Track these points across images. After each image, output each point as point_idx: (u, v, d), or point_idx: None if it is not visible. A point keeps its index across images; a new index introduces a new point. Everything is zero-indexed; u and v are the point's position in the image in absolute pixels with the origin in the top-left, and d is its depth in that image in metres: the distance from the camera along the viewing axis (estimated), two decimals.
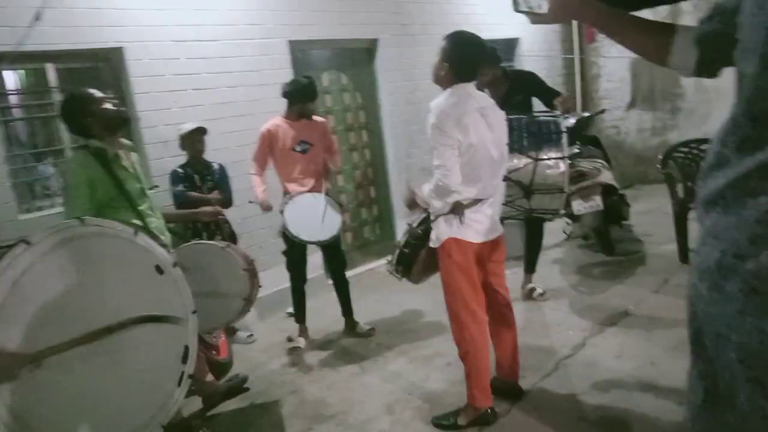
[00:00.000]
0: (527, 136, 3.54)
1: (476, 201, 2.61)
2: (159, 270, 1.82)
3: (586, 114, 5.70)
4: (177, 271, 1.86)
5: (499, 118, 2.68)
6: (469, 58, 2.58)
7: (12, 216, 3.65)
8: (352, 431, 2.89)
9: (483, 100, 2.65)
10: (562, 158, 3.46)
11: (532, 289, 4.32)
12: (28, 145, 4.04)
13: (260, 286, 3.24)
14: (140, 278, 1.80)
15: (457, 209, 2.57)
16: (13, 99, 3.98)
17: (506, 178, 2.93)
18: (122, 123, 2.72)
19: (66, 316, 1.64)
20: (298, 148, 3.83)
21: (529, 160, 3.44)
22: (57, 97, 3.88)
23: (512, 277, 4.80)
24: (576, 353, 3.34)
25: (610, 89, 8.20)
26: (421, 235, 2.91)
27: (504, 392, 2.90)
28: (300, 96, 3.81)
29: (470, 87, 2.60)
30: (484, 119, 2.57)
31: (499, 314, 2.85)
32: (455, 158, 2.48)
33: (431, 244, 2.72)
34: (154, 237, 2.17)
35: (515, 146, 3.33)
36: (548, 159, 3.46)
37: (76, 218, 1.70)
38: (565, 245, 5.63)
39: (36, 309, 1.54)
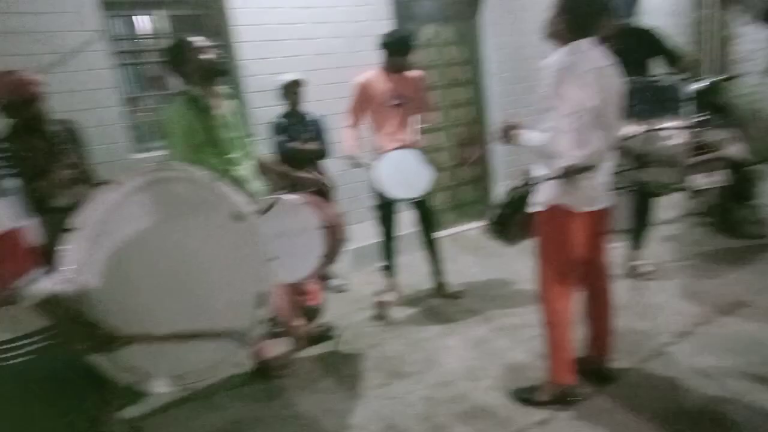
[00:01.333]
0: (644, 102, 3.22)
1: (587, 167, 2.40)
2: (238, 217, 1.82)
3: (718, 78, 5.09)
4: (256, 219, 1.85)
5: (617, 78, 2.41)
6: (589, 12, 2.32)
7: (126, 155, 3.88)
8: (429, 392, 2.86)
9: (602, 58, 2.38)
10: (681, 128, 3.12)
11: (637, 266, 4.00)
12: (144, 88, 4.24)
13: (346, 240, 3.22)
14: (219, 224, 1.81)
15: (567, 174, 2.37)
16: (133, 44, 4.17)
17: (618, 147, 2.67)
18: (215, 74, 2.74)
19: (147, 258, 1.68)
20: (394, 102, 3.72)
21: (645, 129, 3.13)
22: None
23: (617, 251, 4.51)
24: (680, 341, 3.05)
25: (750, 51, 7.28)
26: (522, 196, 2.74)
27: (591, 374, 2.70)
28: (394, 48, 3.69)
29: (590, 43, 2.35)
30: (603, 79, 2.32)
31: (598, 289, 2.66)
32: (570, 123, 2.27)
33: (532, 208, 2.55)
34: (237, 184, 2.19)
35: (631, 112, 3.02)
36: (666, 128, 3.13)
37: (160, 162, 1.73)
38: (681, 221, 5.16)
39: (119, 248, 1.59)
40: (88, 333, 1.39)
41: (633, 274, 3.97)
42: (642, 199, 3.95)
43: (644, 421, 2.42)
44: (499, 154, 5.76)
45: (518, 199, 2.81)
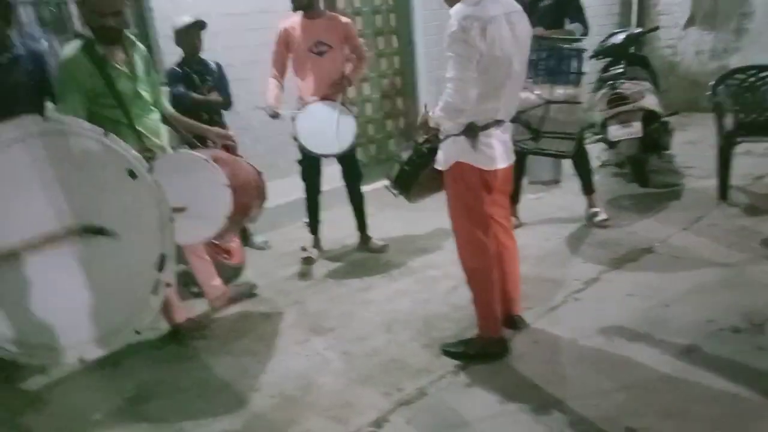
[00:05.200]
0: (544, 67, 3.24)
1: (491, 123, 2.38)
2: (132, 174, 1.72)
3: (638, 30, 5.20)
4: (152, 177, 1.75)
5: (525, 27, 2.38)
6: None
7: None
8: (347, 346, 2.88)
9: (509, 4, 2.34)
10: (576, 103, 3.19)
11: (594, 214, 4.07)
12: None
13: (265, 199, 3.11)
14: (112, 181, 1.71)
15: (470, 131, 2.35)
16: None
17: (514, 120, 2.64)
18: (114, 38, 2.52)
19: (31, 213, 1.56)
20: (315, 50, 3.57)
21: (540, 102, 3.20)
22: None
23: (537, 202, 4.64)
24: (587, 287, 3.20)
25: (670, 4, 7.48)
26: (425, 154, 2.70)
27: (504, 323, 2.78)
28: None
29: None
30: (510, 28, 2.28)
31: (501, 244, 2.68)
32: (473, 72, 2.21)
33: (437, 166, 2.53)
34: (138, 139, 2.06)
35: (528, 74, 2.80)
36: (561, 102, 3.21)
37: (39, 116, 1.58)
38: (597, 172, 5.34)
39: None
40: None
41: (590, 220, 4.07)
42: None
43: (556, 363, 2.55)
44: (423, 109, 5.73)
45: (421, 156, 2.75)
